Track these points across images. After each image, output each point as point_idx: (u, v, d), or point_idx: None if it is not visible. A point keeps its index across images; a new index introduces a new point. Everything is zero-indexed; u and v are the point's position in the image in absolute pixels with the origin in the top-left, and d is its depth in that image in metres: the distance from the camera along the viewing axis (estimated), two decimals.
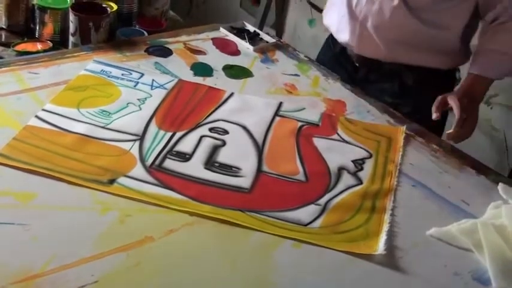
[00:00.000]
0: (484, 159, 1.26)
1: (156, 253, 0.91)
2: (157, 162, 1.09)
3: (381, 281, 0.93)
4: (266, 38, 1.64)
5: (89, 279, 0.84)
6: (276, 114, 1.30)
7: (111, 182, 1.03)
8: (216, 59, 1.50)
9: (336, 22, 1.55)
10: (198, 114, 1.25)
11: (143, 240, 0.92)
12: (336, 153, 1.20)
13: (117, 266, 0.87)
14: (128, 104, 1.25)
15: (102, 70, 1.35)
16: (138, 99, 1.27)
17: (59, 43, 1.60)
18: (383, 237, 1.00)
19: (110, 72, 1.35)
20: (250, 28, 1.68)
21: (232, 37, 1.63)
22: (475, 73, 1.39)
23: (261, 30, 1.75)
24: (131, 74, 1.36)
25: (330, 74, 1.51)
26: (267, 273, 0.91)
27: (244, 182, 1.08)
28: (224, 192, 1.05)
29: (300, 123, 1.28)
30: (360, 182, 1.13)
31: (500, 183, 1.16)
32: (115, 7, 1.68)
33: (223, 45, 1.58)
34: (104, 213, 0.96)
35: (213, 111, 1.27)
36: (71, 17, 1.53)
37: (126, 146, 1.12)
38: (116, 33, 1.62)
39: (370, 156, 1.21)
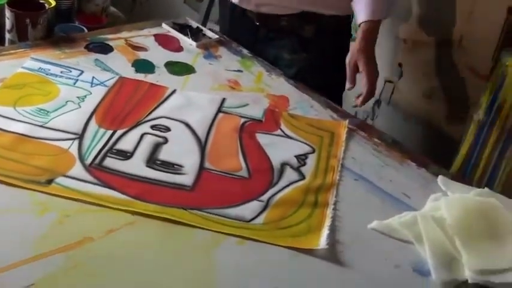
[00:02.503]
0: (426, 153, 1.28)
1: (95, 254, 0.89)
2: (97, 161, 1.07)
3: (323, 275, 0.94)
4: (209, 34, 1.63)
5: (25, 282, 0.82)
6: (219, 110, 1.29)
7: (49, 182, 1.00)
8: (158, 55, 1.48)
9: None
10: (140, 111, 1.24)
11: (82, 240, 0.90)
12: (279, 148, 1.20)
13: (55, 268, 0.85)
14: (66, 102, 1.22)
15: (40, 68, 1.32)
16: (78, 97, 1.24)
17: None
18: (325, 232, 1.00)
19: (48, 70, 1.32)
20: (193, 24, 1.67)
21: (174, 33, 1.61)
22: (366, 20, 1.43)
23: (205, 26, 1.74)
24: (70, 71, 1.33)
25: (274, 69, 1.51)
26: (210, 271, 0.90)
27: (187, 179, 1.07)
28: (166, 191, 1.04)
29: (243, 119, 1.27)
30: (303, 177, 1.13)
31: (439, 176, 1.18)
32: (53, 3, 1.64)
33: (166, 42, 1.56)
34: (42, 215, 0.94)
35: (155, 108, 1.26)
36: (7, 13, 1.49)
37: (64, 144, 1.10)
38: (54, 30, 1.59)
39: (313, 151, 1.22)
